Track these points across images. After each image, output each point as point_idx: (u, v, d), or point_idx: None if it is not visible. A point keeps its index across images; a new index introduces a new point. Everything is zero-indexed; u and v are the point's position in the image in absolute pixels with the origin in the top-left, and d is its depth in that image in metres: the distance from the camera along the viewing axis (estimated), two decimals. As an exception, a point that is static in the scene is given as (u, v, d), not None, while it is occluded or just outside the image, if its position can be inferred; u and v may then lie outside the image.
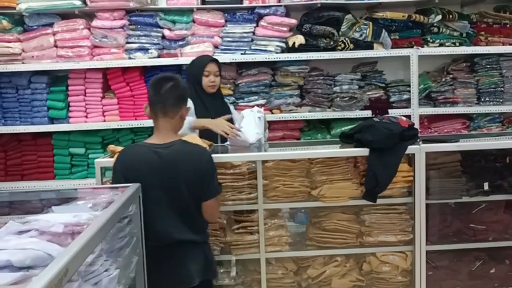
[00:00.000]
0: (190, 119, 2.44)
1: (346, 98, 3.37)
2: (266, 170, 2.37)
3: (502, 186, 2.36)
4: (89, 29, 3.27)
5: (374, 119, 2.44)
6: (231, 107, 2.88)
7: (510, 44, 3.40)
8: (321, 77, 3.40)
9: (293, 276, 2.45)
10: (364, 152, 2.29)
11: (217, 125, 2.41)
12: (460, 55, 3.49)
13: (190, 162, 1.89)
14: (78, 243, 1.02)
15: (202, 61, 2.67)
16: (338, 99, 3.36)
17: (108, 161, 2.23)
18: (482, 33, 3.40)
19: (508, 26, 3.39)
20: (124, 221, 1.44)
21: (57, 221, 1.20)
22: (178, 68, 3.34)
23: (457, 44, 3.37)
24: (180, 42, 3.32)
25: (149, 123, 3.28)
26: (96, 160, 2.27)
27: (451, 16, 3.31)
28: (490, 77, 3.42)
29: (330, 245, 2.41)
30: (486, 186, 2.32)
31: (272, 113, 3.37)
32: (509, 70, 3.43)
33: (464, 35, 3.38)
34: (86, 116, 3.33)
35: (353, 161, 2.41)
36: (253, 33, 3.33)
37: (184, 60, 3.24)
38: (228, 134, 2.37)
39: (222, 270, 2.36)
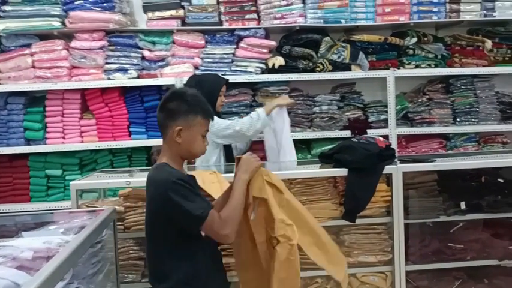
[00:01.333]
0: (260, 110, 2.81)
1: (326, 118, 3.40)
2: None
3: (479, 205, 2.39)
4: (68, 50, 3.25)
5: (352, 139, 2.47)
6: None
7: (483, 66, 3.49)
8: (301, 98, 3.43)
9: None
10: (343, 172, 2.30)
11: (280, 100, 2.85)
12: (435, 76, 3.57)
13: (149, 187, 1.68)
14: (47, 270, 0.98)
15: (220, 82, 2.81)
16: (318, 119, 3.39)
17: (83, 183, 2.19)
18: (457, 55, 3.49)
19: (480, 48, 3.48)
20: (97, 246, 1.40)
21: (26, 247, 1.16)
22: (158, 88, 3.33)
23: (433, 66, 3.45)
24: (160, 63, 3.32)
25: (128, 144, 3.30)
26: (71, 182, 2.23)
27: (426, 39, 3.40)
28: (465, 97, 3.50)
29: (310, 266, 2.39)
30: (463, 205, 2.35)
31: (252, 134, 3.37)
32: (483, 91, 3.52)
33: (439, 57, 3.46)
34: (63, 137, 3.28)
35: (332, 181, 2.42)
36: (234, 54, 3.35)
37: (164, 80, 3.24)
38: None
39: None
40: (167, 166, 1.66)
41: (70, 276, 1.16)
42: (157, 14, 3.31)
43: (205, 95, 2.67)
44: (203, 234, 1.64)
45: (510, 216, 2.45)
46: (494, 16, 3.48)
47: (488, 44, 3.46)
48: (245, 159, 1.74)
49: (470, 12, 3.47)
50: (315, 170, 2.48)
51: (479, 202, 2.39)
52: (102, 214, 1.50)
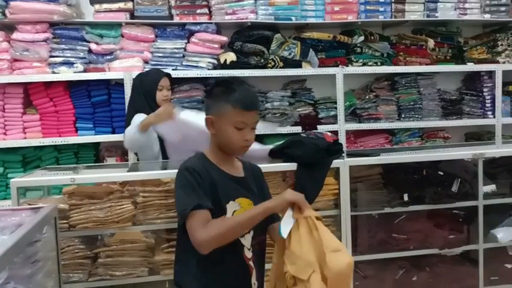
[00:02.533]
0: (136, 122, 2.48)
1: (278, 114, 3.44)
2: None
3: (421, 197, 2.50)
4: (9, 42, 3.10)
5: (301, 134, 2.51)
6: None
7: (426, 64, 3.65)
8: (253, 94, 3.44)
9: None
10: (292, 166, 2.33)
11: (160, 114, 2.38)
12: (381, 74, 3.70)
13: None
14: (-22, 270, 0.94)
15: (156, 76, 2.67)
16: (270, 115, 3.43)
17: (25, 180, 2.10)
18: (401, 53, 3.63)
19: (423, 47, 3.64)
20: (36, 244, 1.35)
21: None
22: (106, 82, 3.24)
23: (379, 64, 3.57)
24: (108, 57, 3.23)
25: (74, 140, 3.19)
26: (12, 180, 2.12)
27: (372, 37, 3.51)
28: (409, 94, 3.65)
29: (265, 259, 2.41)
30: (406, 197, 2.45)
31: (204, 129, 3.35)
32: (426, 88, 3.68)
33: (385, 55, 3.59)
34: (5, 133, 3.13)
35: (282, 175, 2.45)
36: (185, 49, 3.32)
37: (112, 75, 3.16)
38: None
39: (151, 292, 2.29)
40: (198, 156, 1.56)
41: (6, 276, 1.11)
42: (105, 6, 3.22)
43: (144, 90, 2.66)
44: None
45: (450, 207, 2.57)
46: (437, 16, 3.65)
47: (431, 43, 3.63)
48: (291, 192, 1.47)
49: (414, 13, 3.62)
50: (265, 165, 2.50)
51: (421, 194, 2.49)
52: (42, 211, 1.44)
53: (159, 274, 2.29)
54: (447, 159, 2.58)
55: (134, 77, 3.11)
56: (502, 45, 3.81)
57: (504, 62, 3.77)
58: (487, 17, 3.73)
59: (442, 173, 2.51)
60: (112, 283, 2.26)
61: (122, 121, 3.11)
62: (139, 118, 2.50)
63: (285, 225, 1.40)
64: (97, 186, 2.35)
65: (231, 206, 1.51)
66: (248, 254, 1.55)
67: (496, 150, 2.66)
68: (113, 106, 3.24)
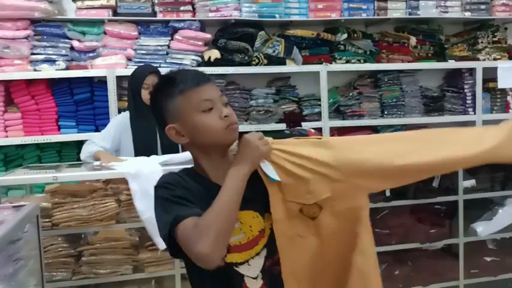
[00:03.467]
0: (93, 149, 2.43)
1: (262, 112, 3.45)
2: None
3: (402, 192, 2.55)
4: (-11, 39, 3.05)
5: (285, 131, 2.53)
6: None
7: (408, 61, 3.69)
8: (237, 91, 3.45)
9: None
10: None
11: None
12: (364, 71, 3.73)
13: None
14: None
15: (142, 73, 2.64)
16: (254, 112, 3.44)
17: (6, 179, 2.08)
18: (384, 51, 3.66)
19: (405, 44, 3.68)
20: (18, 242, 1.34)
21: None
22: (88, 80, 3.21)
23: (362, 61, 3.60)
24: (91, 54, 3.20)
25: (57, 138, 3.16)
26: (-7, 179, 2.11)
27: (355, 35, 3.54)
28: (391, 91, 3.68)
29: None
30: (388, 192, 2.49)
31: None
32: (408, 85, 3.73)
33: (368, 52, 3.62)
34: (-14, 132, 3.08)
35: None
36: (168, 46, 3.30)
37: (95, 72, 3.14)
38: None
39: (135, 289, 2.29)
40: (180, 170, 1.26)
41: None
42: (87, 3, 3.18)
43: (131, 88, 2.65)
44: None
45: (431, 202, 2.62)
46: (419, 14, 3.68)
47: (413, 40, 3.67)
48: (247, 140, 1.20)
49: (397, 10, 3.65)
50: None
51: (403, 189, 2.54)
52: (23, 209, 1.43)
53: (144, 272, 2.31)
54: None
55: (117, 74, 3.12)
56: (482, 42, 3.87)
57: (484, 59, 3.83)
58: (468, 14, 3.79)
59: (423, 169, 2.55)
60: (96, 281, 2.27)
61: (106, 119, 3.10)
62: (92, 147, 2.49)
63: (269, 171, 1.18)
64: (80, 184, 2.34)
65: None
66: (254, 285, 1.22)
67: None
68: (96, 104, 3.21)
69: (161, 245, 2.08)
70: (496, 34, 3.90)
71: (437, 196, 2.58)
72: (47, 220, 2.17)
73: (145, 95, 2.58)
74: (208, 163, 1.22)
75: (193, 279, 1.24)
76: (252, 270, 1.21)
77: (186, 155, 2.25)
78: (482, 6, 3.80)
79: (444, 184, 2.58)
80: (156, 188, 1.19)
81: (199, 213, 1.10)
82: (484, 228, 2.67)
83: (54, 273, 2.21)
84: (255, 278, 1.21)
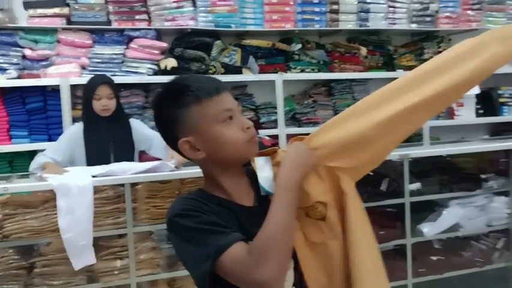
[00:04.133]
0: (42, 160, 2.42)
1: (219, 120, 3.50)
2: (135, 193, 2.35)
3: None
4: None
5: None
6: (139, 125, 2.80)
7: (360, 71, 3.85)
8: (195, 100, 3.49)
9: (166, 299, 2.44)
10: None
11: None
12: (319, 80, 3.86)
13: None
14: None
15: (93, 84, 2.60)
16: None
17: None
18: (336, 61, 3.81)
19: (356, 55, 3.84)
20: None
21: None
22: (41, 89, 3.16)
23: (316, 70, 3.72)
24: (44, 63, 3.16)
25: (9, 148, 3.08)
26: None
27: (309, 45, 3.66)
28: (344, 99, 3.83)
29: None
30: (339, 197, 2.58)
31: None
32: (360, 93, 3.88)
33: (321, 62, 3.75)
34: None
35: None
36: (124, 55, 3.30)
37: (48, 81, 3.10)
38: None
39: (90, 300, 2.27)
40: (193, 193, 1.11)
41: None
42: (40, 11, 3.15)
43: (83, 99, 2.63)
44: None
45: (380, 205, 2.74)
46: (368, 26, 3.86)
47: (363, 51, 3.83)
48: (299, 146, 1.13)
49: (348, 22, 3.80)
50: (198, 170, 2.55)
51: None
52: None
53: (99, 282, 2.28)
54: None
55: (71, 83, 3.09)
56: (428, 53, 4.09)
57: (430, 69, 4.05)
58: (414, 26, 3.99)
59: (372, 173, 2.66)
60: (49, 293, 2.22)
61: (59, 128, 3.07)
62: (41, 159, 2.48)
63: (266, 180, 1.08)
64: (32, 195, 2.30)
65: None
66: None
67: (420, 151, 2.87)
68: (49, 113, 3.16)
69: (76, 265, 2.09)
70: (440, 45, 4.13)
71: (385, 199, 2.69)
72: (-3, 232, 2.12)
73: (97, 105, 2.57)
74: (228, 181, 1.07)
75: None
76: (287, 285, 1.08)
77: (126, 167, 2.28)
78: (428, 19, 4.02)
79: (391, 187, 2.70)
80: (174, 219, 1.00)
81: (243, 238, 0.96)
82: (429, 229, 2.81)
83: (6, 286, 2.15)
84: None
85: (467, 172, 2.98)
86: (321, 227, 1.12)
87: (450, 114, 4.17)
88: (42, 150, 2.71)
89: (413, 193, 2.74)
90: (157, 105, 1.08)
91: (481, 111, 4.26)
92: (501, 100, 4.29)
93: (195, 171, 2.54)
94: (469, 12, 4.14)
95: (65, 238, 2.08)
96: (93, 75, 2.87)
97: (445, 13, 4.07)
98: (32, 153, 3.22)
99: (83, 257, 2.13)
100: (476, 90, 4.03)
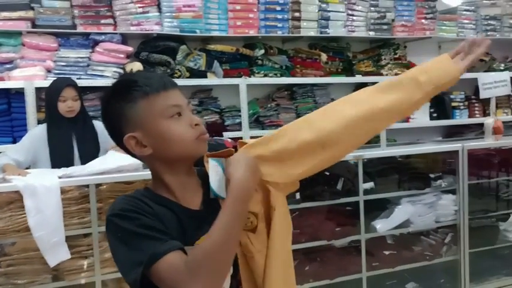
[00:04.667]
0: (3, 161, 2.51)
1: (185, 122, 3.59)
2: (100, 193, 2.42)
3: (311, 195, 2.80)
4: None
5: (203, 141, 2.69)
6: (99, 127, 2.81)
7: (320, 76, 4.02)
8: (160, 103, 3.57)
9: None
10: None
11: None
12: (282, 84, 4.01)
13: None
14: None
15: (59, 85, 2.68)
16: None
17: None
18: (298, 66, 3.96)
19: (317, 60, 4.01)
20: None
21: None
22: (6, 91, 3.18)
23: (278, 75, 3.87)
24: (8, 65, 3.17)
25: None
26: None
27: (272, 51, 3.80)
28: (306, 103, 3.99)
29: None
30: (298, 195, 2.73)
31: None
32: (321, 97, 4.05)
33: (284, 67, 3.90)
34: None
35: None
36: (89, 58, 3.35)
37: (13, 84, 3.12)
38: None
39: (54, 298, 2.32)
40: (135, 192, 1.06)
41: None
42: (4, 14, 3.16)
43: (47, 101, 2.69)
44: None
45: (336, 203, 2.90)
46: (328, 33, 4.03)
47: (324, 57, 4.01)
48: (247, 156, 1.06)
49: (309, 29, 3.97)
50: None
51: (311, 192, 2.79)
52: None
53: (64, 280, 2.34)
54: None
55: (36, 85, 3.12)
56: (385, 59, 4.31)
57: (387, 74, 4.27)
58: (372, 34, 4.20)
59: (328, 173, 2.83)
60: (14, 292, 2.27)
61: (24, 130, 3.09)
62: (2, 160, 2.54)
63: (218, 183, 1.02)
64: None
65: None
66: None
67: (373, 152, 3.04)
68: (13, 115, 3.18)
69: (51, 262, 2.19)
70: (397, 52, 4.36)
71: (341, 197, 2.86)
72: (-39, 233, 2.16)
73: (63, 107, 2.64)
74: (174, 180, 1.05)
75: None
76: None
77: (90, 168, 2.37)
78: (385, 27, 4.24)
79: (347, 186, 2.87)
80: (111, 218, 0.97)
81: (181, 246, 0.93)
82: (382, 225, 2.99)
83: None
84: None
85: (418, 172, 3.19)
86: (251, 239, 1.08)
87: (406, 117, 4.40)
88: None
89: (367, 192, 2.92)
90: (105, 100, 1.05)
91: (435, 115, 4.52)
92: (453, 104, 4.56)
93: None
94: (423, 21, 4.39)
95: (36, 237, 2.15)
96: (56, 78, 2.92)
97: (401, 21, 4.30)
98: (-4, 155, 3.24)
99: (56, 253, 2.20)
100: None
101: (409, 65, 4.41)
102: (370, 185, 2.93)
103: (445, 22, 4.54)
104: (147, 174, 2.52)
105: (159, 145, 1.02)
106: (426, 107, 4.47)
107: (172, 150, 1.02)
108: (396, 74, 4.30)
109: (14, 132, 3.18)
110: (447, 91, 4.58)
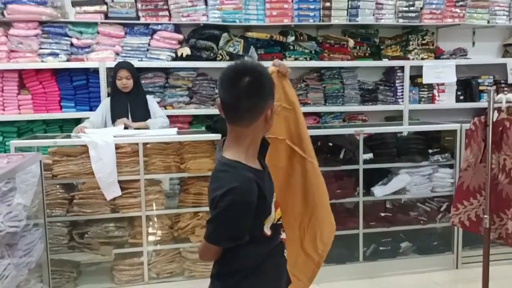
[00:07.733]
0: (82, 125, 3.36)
1: (225, 98, 4.26)
2: (146, 150, 3.19)
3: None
4: (7, 36, 3.88)
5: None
6: (152, 100, 3.71)
7: (347, 60, 4.47)
8: (206, 81, 4.27)
9: (168, 229, 3.29)
10: (217, 136, 3.17)
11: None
12: (311, 67, 4.52)
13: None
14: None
15: (115, 68, 3.54)
16: (219, 99, 4.23)
17: (21, 142, 2.95)
18: (326, 51, 4.44)
19: (345, 46, 4.45)
20: (28, 175, 2.19)
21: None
22: (84, 70, 4.05)
23: (308, 59, 4.38)
24: (86, 49, 4.03)
25: (59, 116, 4.00)
26: (11, 142, 2.97)
27: (302, 37, 4.32)
28: (333, 84, 4.48)
29: (194, 204, 3.27)
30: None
31: (166, 109, 4.18)
32: (347, 79, 4.51)
33: (313, 51, 4.40)
34: (3, 110, 3.92)
35: (211, 143, 3.30)
36: (149, 44, 4.12)
37: (90, 64, 3.97)
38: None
39: (112, 225, 3.16)
40: (240, 172, 1.31)
41: (11, 186, 1.95)
42: (84, 8, 4.00)
43: (111, 80, 3.53)
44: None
45: (338, 170, 3.39)
46: (357, 21, 4.45)
47: (351, 42, 4.44)
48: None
49: (339, 17, 4.41)
50: (197, 135, 3.37)
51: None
52: (28, 155, 2.29)
53: (119, 212, 3.16)
54: (335, 134, 3.45)
55: (107, 66, 3.95)
56: (412, 44, 4.63)
57: (413, 59, 4.60)
58: (401, 21, 4.54)
59: (331, 144, 3.36)
60: (84, 218, 3.13)
61: (98, 101, 3.94)
62: (83, 124, 3.41)
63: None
64: (73, 148, 3.20)
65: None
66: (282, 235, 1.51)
67: (372, 128, 3.50)
68: (90, 89, 4.05)
69: (108, 196, 3.03)
70: (425, 38, 4.65)
71: (342, 165, 3.37)
72: (49, 173, 3.03)
73: (119, 84, 3.47)
74: (249, 151, 1.38)
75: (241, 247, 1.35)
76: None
77: (136, 131, 3.23)
78: (413, 14, 4.55)
79: (348, 156, 3.37)
80: (234, 198, 1.25)
81: (241, 238, 1.32)
82: (379, 191, 3.45)
83: (53, 211, 3.07)
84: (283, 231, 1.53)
85: (417, 147, 3.58)
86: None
87: (432, 99, 4.72)
88: (86, 118, 3.64)
89: (365, 161, 3.40)
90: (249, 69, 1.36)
91: (462, 98, 4.77)
92: (481, 88, 4.76)
93: (189, 136, 3.36)
94: (452, 8, 4.61)
95: (98, 177, 2.97)
96: (117, 62, 3.74)
97: (429, 9, 4.56)
98: (77, 120, 4.16)
99: (112, 190, 3.01)
100: (453, 77, 4.55)
101: (435, 50, 4.69)
102: (369, 155, 3.41)
103: (477, 9, 4.69)
104: (181, 137, 3.26)
105: (269, 122, 1.39)
106: (453, 89, 4.73)
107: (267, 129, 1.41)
108: (423, 59, 4.62)
109: (91, 102, 4.05)
110: (475, 75, 4.80)
